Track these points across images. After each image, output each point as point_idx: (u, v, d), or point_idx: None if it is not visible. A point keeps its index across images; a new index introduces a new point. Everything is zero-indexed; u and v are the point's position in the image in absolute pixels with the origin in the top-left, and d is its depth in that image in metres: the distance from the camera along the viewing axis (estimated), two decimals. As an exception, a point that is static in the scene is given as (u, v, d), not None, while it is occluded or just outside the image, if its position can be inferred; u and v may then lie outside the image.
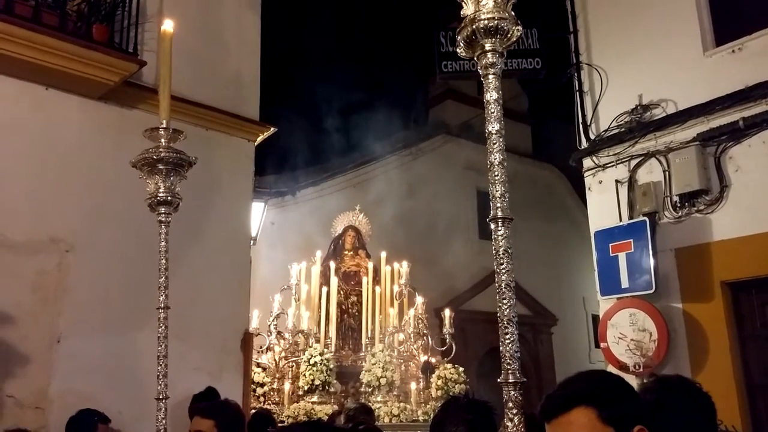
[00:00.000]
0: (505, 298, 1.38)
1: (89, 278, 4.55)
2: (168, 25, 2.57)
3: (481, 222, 12.46)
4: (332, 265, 8.47)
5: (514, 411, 1.32)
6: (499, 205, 1.43)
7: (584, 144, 6.40)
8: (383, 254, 8.76)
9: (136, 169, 2.54)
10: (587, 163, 6.35)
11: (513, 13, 1.49)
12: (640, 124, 5.92)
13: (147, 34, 4.92)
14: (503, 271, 1.39)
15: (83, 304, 4.48)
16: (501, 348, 1.37)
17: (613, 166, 6.12)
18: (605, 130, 6.21)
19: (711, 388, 2.34)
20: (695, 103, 5.56)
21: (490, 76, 1.47)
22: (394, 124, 12.07)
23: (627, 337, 5.58)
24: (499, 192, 1.43)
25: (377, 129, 11.56)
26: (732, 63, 5.45)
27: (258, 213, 7.83)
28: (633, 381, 5.44)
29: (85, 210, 4.66)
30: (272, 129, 5.80)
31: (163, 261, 2.54)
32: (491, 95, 1.46)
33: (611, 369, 5.75)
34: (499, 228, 1.42)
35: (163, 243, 2.55)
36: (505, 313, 1.37)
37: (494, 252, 1.41)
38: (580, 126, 6.46)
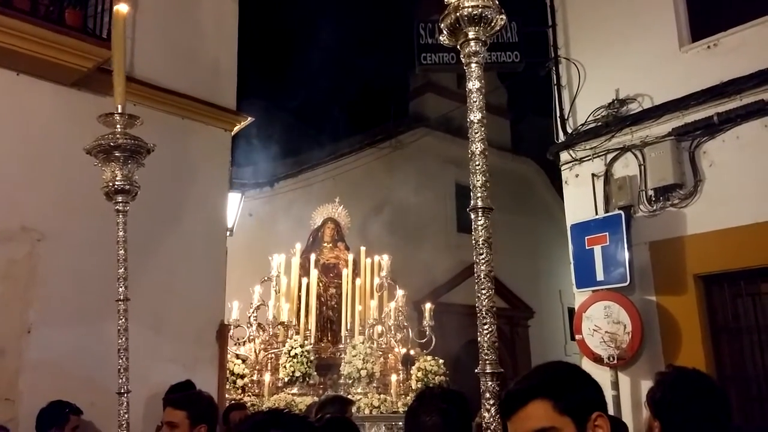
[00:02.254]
0: (484, 289, 1.38)
1: (61, 268, 4.47)
2: (122, 7, 2.49)
3: (459, 215, 12.50)
4: (312, 257, 8.43)
5: (491, 401, 1.31)
6: (479, 195, 1.42)
7: (561, 138, 6.44)
8: (362, 247, 8.75)
9: (91, 156, 2.47)
10: (564, 156, 6.39)
11: (497, 1, 1.47)
12: (616, 118, 5.97)
13: (121, 20, 4.82)
14: (483, 261, 1.38)
15: (54, 294, 4.40)
16: (479, 339, 1.37)
17: (589, 159, 6.17)
18: (582, 124, 6.25)
19: (684, 380, 2.36)
20: (671, 98, 5.62)
21: (473, 65, 1.46)
22: (373, 116, 12.06)
23: (601, 329, 5.64)
24: (480, 182, 1.42)
25: (357, 121, 11.53)
26: (707, 59, 5.51)
27: (235, 204, 7.75)
28: (607, 373, 5.52)
29: (57, 199, 4.57)
30: (249, 119, 5.74)
31: (122, 252, 2.49)
32: (474, 84, 1.46)
33: (585, 361, 5.82)
34: (480, 218, 1.40)
35: (121, 233, 2.50)
36: (484, 303, 1.37)
37: (474, 242, 1.39)
38: (558, 120, 6.50)
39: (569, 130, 6.37)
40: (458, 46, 1.48)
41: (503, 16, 1.46)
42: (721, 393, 2.24)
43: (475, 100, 1.45)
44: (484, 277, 1.38)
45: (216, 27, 5.72)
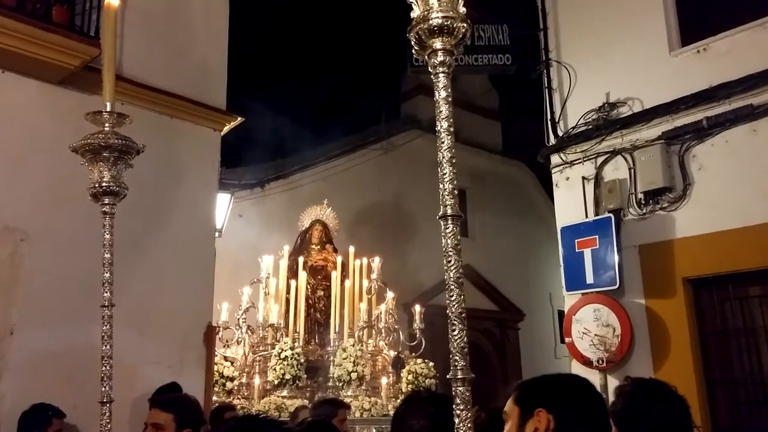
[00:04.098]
0: (453, 295, 1.39)
1: (45, 268, 4.41)
2: (113, 0, 2.42)
3: (450, 218, 12.48)
4: (300, 259, 8.39)
5: (462, 407, 1.32)
6: (448, 202, 1.42)
7: (552, 141, 6.45)
8: (351, 249, 8.71)
9: (77, 155, 2.41)
10: (555, 159, 6.40)
11: (464, 9, 1.48)
12: (607, 121, 5.99)
13: (109, 18, 4.76)
14: (452, 268, 1.39)
15: (38, 295, 4.34)
16: (450, 344, 1.38)
17: (580, 163, 6.17)
18: (573, 127, 6.26)
19: (672, 383, 2.37)
20: (661, 101, 5.64)
21: (441, 75, 1.49)
22: (365, 118, 12.03)
23: (591, 332, 5.64)
24: (448, 189, 1.43)
25: (348, 122, 11.50)
26: (697, 63, 5.54)
27: (224, 204, 7.70)
28: (596, 376, 5.52)
29: (42, 198, 4.51)
30: (239, 119, 5.70)
31: (107, 255, 2.41)
32: (440, 93, 1.48)
33: (575, 364, 5.82)
34: (449, 225, 1.41)
35: (107, 236, 2.42)
36: (454, 309, 1.38)
37: (443, 249, 1.41)
38: (549, 123, 6.50)
39: (560, 133, 6.38)
40: (426, 57, 1.49)
41: (465, 25, 1.47)
42: (680, 399, 2.27)
43: (442, 109, 1.46)
44: (453, 284, 1.40)
45: (206, 26, 5.68)
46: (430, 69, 1.48)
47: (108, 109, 2.39)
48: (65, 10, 4.46)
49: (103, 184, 2.40)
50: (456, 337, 1.36)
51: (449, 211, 1.42)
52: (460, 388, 1.33)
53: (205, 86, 5.54)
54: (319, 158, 11.12)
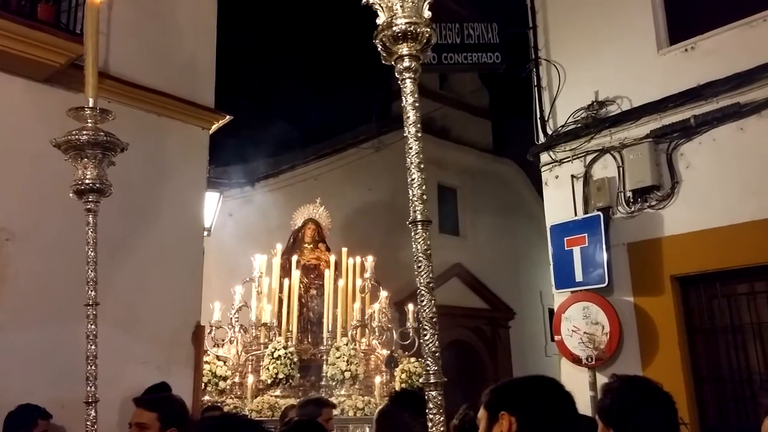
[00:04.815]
0: (424, 300, 1.39)
1: (31, 268, 4.37)
2: (96, -5, 2.40)
3: (441, 216, 12.50)
4: (294, 258, 8.37)
5: (434, 411, 1.31)
6: (418, 207, 1.43)
7: (542, 139, 6.46)
8: (344, 248, 8.70)
9: (60, 150, 2.38)
10: (544, 158, 6.41)
11: (429, 14, 1.49)
12: (595, 120, 6.00)
13: (96, 15, 4.72)
14: (423, 273, 1.40)
15: (24, 295, 4.30)
16: (422, 349, 1.38)
17: (569, 161, 6.19)
18: (562, 126, 6.27)
19: (660, 380, 2.39)
20: (649, 100, 5.66)
21: (407, 81, 1.49)
22: (355, 116, 12.00)
23: (580, 330, 5.65)
24: (417, 195, 1.43)
25: (338, 121, 11.47)
26: (685, 61, 5.56)
27: (213, 203, 7.67)
28: (585, 373, 5.54)
29: (27, 197, 4.47)
30: (227, 117, 5.67)
31: (92, 254, 2.38)
32: (408, 99, 1.48)
33: (565, 361, 5.84)
34: (418, 231, 1.42)
35: (91, 234, 2.39)
36: (425, 314, 1.38)
37: (414, 254, 1.41)
38: (538, 121, 6.51)
39: (549, 132, 6.39)
40: (393, 62, 1.49)
41: (429, 30, 1.47)
42: (666, 395, 2.29)
43: (409, 115, 1.46)
44: (424, 288, 1.41)
45: (193, 23, 5.64)
46: (396, 75, 1.48)
47: (90, 104, 2.36)
48: (51, 7, 4.42)
49: (87, 181, 2.37)
50: (428, 342, 1.36)
51: (419, 217, 1.43)
52: (433, 393, 1.33)
53: (194, 84, 5.51)
54: (309, 157, 11.10)
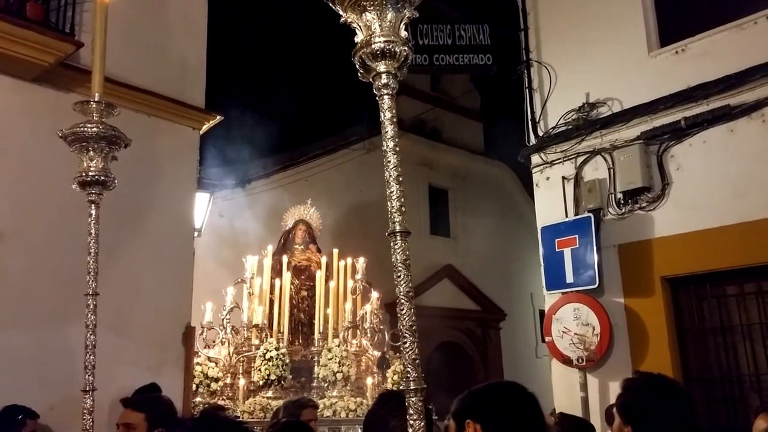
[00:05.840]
0: (404, 309, 1.42)
1: (19, 268, 4.33)
2: (106, -6, 2.41)
3: (432, 218, 12.51)
4: (285, 259, 8.34)
5: (415, 417, 1.32)
6: (396, 219, 1.46)
7: (533, 141, 6.47)
8: (335, 249, 8.68)
9: (66, 142, 2.38)
10: (535, 159, 6.42)
11: (406, 33, 1.52)
12: (586, 121, 6.02)
13: (85, 14, 4.69)
14: (402, 282, 1.43)
15: (12, 295, 4.26)
16: (402, 356, 1.40)
17: (560, 162, 6.20)
18: (553, 128, 6.29)
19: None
20: (640, 102, 5.68)
21: (385, 97, 1.51)
22: (346, 117, 11.99)
23: (571, 331, 5.67)
24: (396, 207, 1.46)
25: (329, 122, 11.45)
26: (675, 64, 5.59)
27: (203, 204, 7.62)
28: (576, 374, 5.55)
29: (16, 196, 4.43)
30: (218, 117, 5.64)
31: (94, 245, 2.38)
32: (386, 114, 1.50)
33: (555, 363, 5.85)
34: (398, 242, 1.46)
35: (93, 225, 2.39)
36: (405, 323, 1.41)
37: (393, 264, 1.45)
38: (529, 123, 6.52)
39: (540, 133, 6.41)
40: (371, 80, 1.50)
41: (407, 48, 1.51)
42: (687, 395, 2.29)
43: (387, 130, 1.48)
44: (403, 297, 1.44)
45: (184, 23, 5.62)
46: (374, 91, 1.50)
47: (96, 99, 2.37)
48: (40, 6, 4.38)
49: (90, 173, 2.36)
50: (408, 350, 1.38)
51: (398, 228, 1.45)
52: (413, 399, 1.34)
53: (184, 84, 5.48)
54: (300, 158, 11.08)
